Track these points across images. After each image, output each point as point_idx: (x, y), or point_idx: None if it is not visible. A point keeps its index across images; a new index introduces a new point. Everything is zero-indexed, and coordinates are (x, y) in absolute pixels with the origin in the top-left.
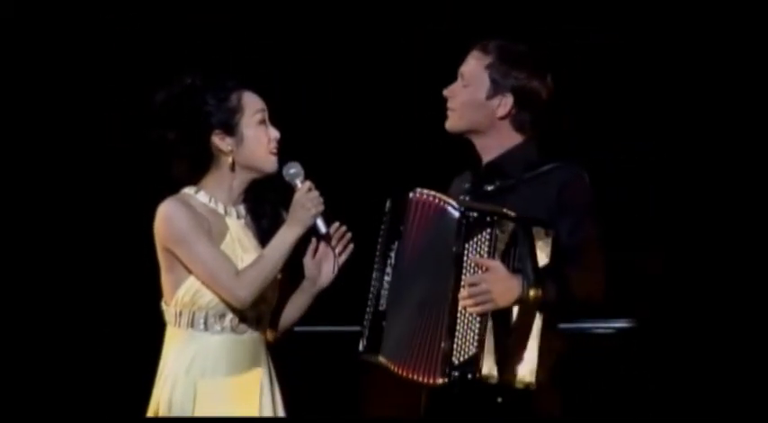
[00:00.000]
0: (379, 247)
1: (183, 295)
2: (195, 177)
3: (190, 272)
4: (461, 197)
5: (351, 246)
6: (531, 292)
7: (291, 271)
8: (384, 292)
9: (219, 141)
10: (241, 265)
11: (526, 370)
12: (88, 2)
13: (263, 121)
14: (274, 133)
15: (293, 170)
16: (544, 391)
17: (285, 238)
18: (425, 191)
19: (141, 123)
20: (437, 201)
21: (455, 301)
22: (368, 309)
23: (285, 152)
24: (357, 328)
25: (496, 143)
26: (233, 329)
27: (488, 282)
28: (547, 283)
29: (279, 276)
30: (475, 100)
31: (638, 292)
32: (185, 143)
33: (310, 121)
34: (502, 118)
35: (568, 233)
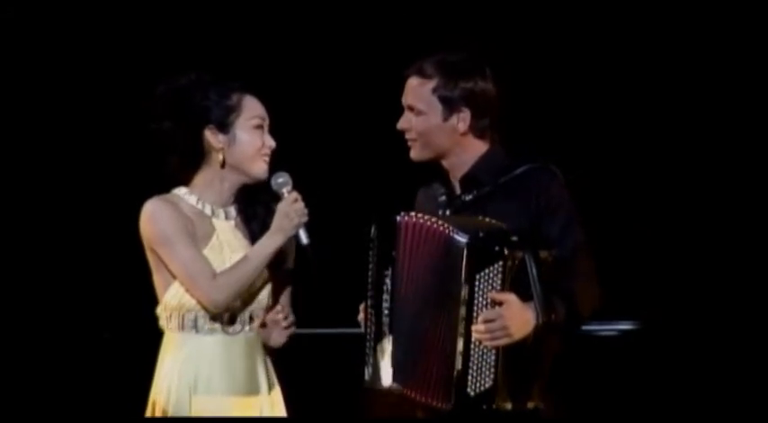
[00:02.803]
0: (370, 273)
1: (170, 299)
2: (187, 174)
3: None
4: (440, 211)
5: (293, 328)
6: (545, 318)
7: (286, 270)
8: (385, 319)
9: (211, 137)
10: (229, 264)
11: (537, 392)
12: (89, 3)
13: (259, 127)
14: (270, 142)
15: (281, 179)
16: (547, 402)
17: (266, 245)
18: (412, 213)
19: (141, 116)
20: (429, 223)
21: (468, 333)
22: (367, 336)
23: (282, 166)
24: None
25: (464, 159)
26: (224, 330)
27: (505, 318)
28: (557, 305)
29: (266, 276)
30: (433, 126)
31: (642, 294)
32: (179, 135)
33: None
34: (464, 134)
35: (558, 239)
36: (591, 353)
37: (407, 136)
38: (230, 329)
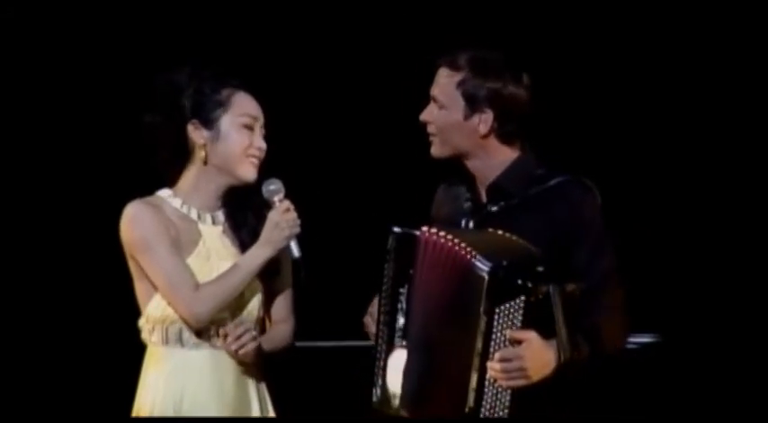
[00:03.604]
0: (385, 287)
1: (153, 310)
2: (173, 174)
3: None
4: (463, 220)
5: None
6: (567, 356)
7: (279, 279)
8: (397, 340)
9: (193, 131)
10: (217, 273)
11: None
12: (89, 3)
13: (248, 126)
14: (259, 142)
15: (273, 187)
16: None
17: (254, 256)
18: (434, 230)
19: (136, 111)
20: (450, 244)
21: (483, 368)
22: (378, 355)
23: (276, 172)
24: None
25: (489, 163)
26: (212, 344)
27: (523, 359)
28: (580, 344)
29: (256, 285)
30: (452, 123)
31: (663, 307)
32: (163, 129)
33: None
34: (485, 136)
35: (586, 265)
36: (612, 366)
37: (428, 129)
38: (218, 343)
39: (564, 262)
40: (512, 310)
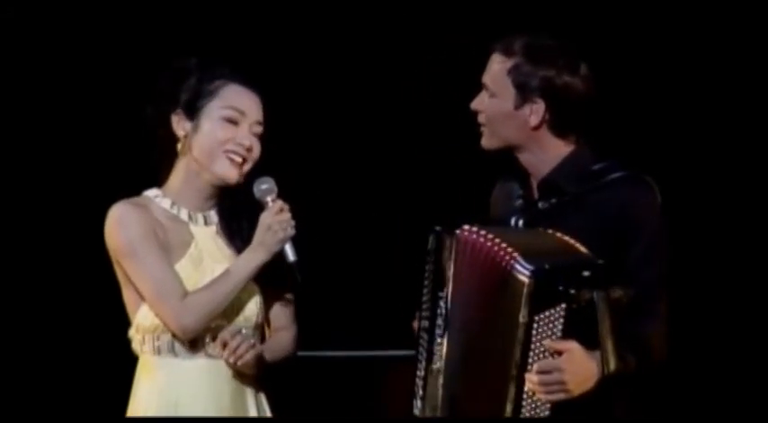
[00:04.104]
0: (424, 292)
1: (143, 319)
2: (164, 171)
3: None
4: (513, 218)
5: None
6: (612, 368)
7: (279, 284)
8: (437, 347)
9: (177, 123)
10: (211, 277)
11: None
12: (90, 3)
13: (231, 120)
14: (243, 139)
15: (264, 186)
16: None
17: (246, 263)
18: (474, 229)
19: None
20: (490, 244)
21: (521, 379)
22: (419, 364)
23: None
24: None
25: (542, 158)
26: (206, 353)
27: (563, 371)
28: (627, 356)
29: (253, 288)
30: (502, 112)
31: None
32: (155, 119)
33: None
34: (537, 127)
35: (635, 270)
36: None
37: (478, 119)
38: (213, 352)
39: (614, 265)
40: (552, 318)
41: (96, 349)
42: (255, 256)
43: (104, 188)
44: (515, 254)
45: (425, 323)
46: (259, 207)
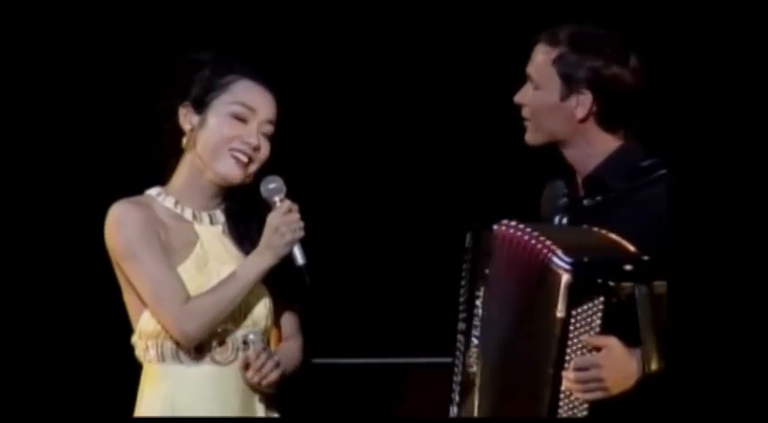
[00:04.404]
0: (462, 292)
1: (146, 324)
2: (169, 168)
3: None
4: (557, 217)
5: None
6: (654, 367)
7: (287, 288)
8: (474, 350)
9: (183, 116)
10: (217, 279)
11: None
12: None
13: (239, 117)
14: (250, 138)
15: (272, 185)
16: None
17: (253, 266)
18: (512, 224)
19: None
20: (527, 238)
21: (558, 378)
22: (455, 369)
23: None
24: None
25: (588, 152)
26: (213, 359)
27: (601, 368)
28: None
29: (262, 291)
30: (547, 104)
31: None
32: (160, 112)
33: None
34: (583, 120)
35: None
36: None
37: (522, 113)
38: (220, 358)
39: (661, 262)
40: (590, 313)
41: (98, 357)
42: (262, 259)
43: (105, 187)
44: (554, 247)
45: (462, 326)
46: (267, 207)
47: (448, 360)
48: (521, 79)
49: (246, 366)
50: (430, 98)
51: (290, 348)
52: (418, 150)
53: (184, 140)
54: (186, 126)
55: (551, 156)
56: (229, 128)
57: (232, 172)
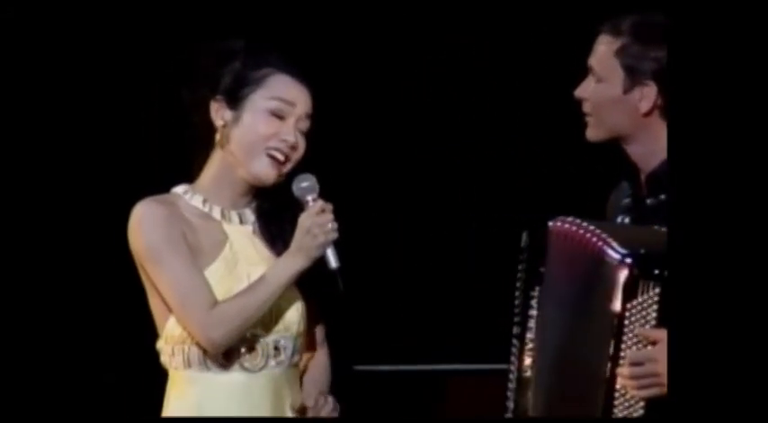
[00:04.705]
0: (517, 293)
1: (172, 329)
2: (197, 164)
3: None
4: (619, 218)
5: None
6: None
7: (319, 292)
8: (529, 353)
9: (216, 111)
10: (247, 282)
11: None
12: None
13: (277, 114)
14: (288, 135)
15: (304, 184)
16: None
17: (283, 270)
18: (568, 219)
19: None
20: (581, 232)
21: (613, 376)
22: (511, 374)
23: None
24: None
25: (652, 148)
26: (242, 366)
27: (656, 362)
28: None
29: (294, 294)
30: (610, 98)
31: None
32: (191, 105)
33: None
34: (647, 114)
35: None
36: None
37: (583, 108)
38: (250, 364)
39: None
40: (645, 305)
41: (123, 363)
42: (293, 262)
43: (129, 186)
44: (609, 239)
45: (517, 329)
46: (300, 207)
47: (486, 366)
48: (521, 79)
49: (302, 410)
50: (430, 98)
51: (323, 364)
52: (418, 150)
53: (217, 137)
54: (219, 122)
55: (552, 155)
56: (266, 125)
57: (267, 173)
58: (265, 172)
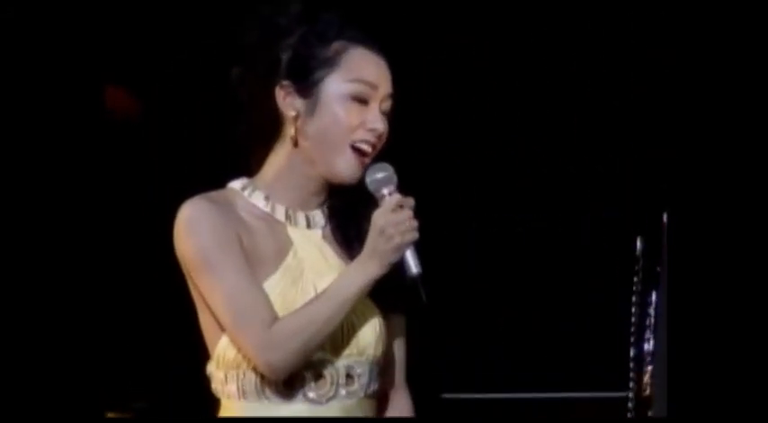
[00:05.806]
0: (634, 304)
1: (224, 350)
2: (257, 156)
3: None
4: None
5: None
6: None
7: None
8: (647, 368)
9: (283, 98)
10: (314, 295)
11: None
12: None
13: (359, 99)
14: (375, 123)
15: (380, 175)
16: None
17: (353, 279)
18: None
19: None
20: None
21: None
22: (630, 394)
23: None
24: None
25: None
26: (306, 397)
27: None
28: None
29: (372, 310)
30: None
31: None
32: (250, 89)
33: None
34: None
35: None
36: None
37: None
38: (315, 394)
39: None
40: None
41: (167, 390)
42: (365, 269)
43: (172, 185)
44: None
45: (635, 349)
46: (373, 202)
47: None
48: (521, 79)
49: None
50: (430, 98)
51: (404, 409)
52: (418, 150)
53: (290, 130)
54: (291, 112)
55: (552, 155)
56: (350, 114)
57: (354, 170)
58: (352, 170)
